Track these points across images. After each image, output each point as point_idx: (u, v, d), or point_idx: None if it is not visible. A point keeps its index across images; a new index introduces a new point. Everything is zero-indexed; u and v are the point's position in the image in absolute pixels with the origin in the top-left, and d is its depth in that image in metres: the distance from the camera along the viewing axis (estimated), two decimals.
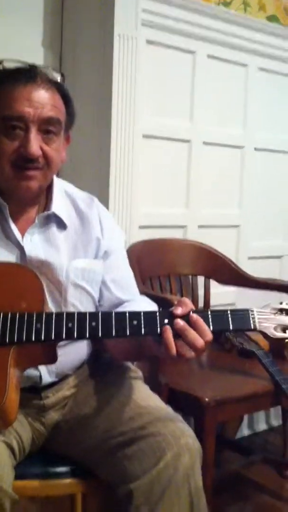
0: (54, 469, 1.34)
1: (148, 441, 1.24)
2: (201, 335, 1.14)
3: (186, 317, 1.15)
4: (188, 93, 2.40)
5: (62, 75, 1.29)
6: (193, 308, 1.17)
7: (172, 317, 1.15)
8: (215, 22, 2.39)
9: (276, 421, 2.81)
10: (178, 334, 1.14)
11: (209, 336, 1.15)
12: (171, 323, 1.15)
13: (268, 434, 2.76)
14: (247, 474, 2.38)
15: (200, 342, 1.13)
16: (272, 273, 2.66)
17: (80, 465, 1.35)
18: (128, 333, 1.14)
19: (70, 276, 1.34)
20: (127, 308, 1.36)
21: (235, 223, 2.63)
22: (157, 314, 1.16)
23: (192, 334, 1.13)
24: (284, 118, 2.76)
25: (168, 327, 1.14)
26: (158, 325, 1.15)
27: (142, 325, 1.15)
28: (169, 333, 1.13)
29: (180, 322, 1.14)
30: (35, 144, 1.23)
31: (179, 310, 1.15)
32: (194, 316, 1.15)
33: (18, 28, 2.09)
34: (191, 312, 1.16)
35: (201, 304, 2.36)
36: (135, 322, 1.15)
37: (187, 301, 1.18)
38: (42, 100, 1.23)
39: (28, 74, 1.24)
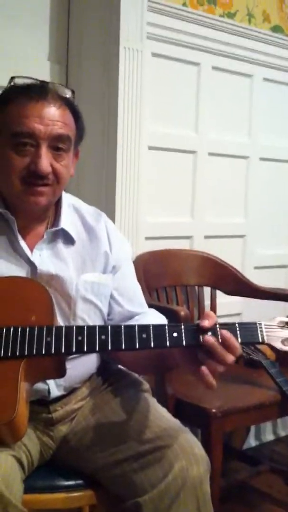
0: (62, 482, 1.34)
1: (156, 455, 1.24)
2: (232, 352, 1.14)
3: (212, 330, 1.15)
4: (193, 104, 2.41)
5: (73, 92, 1.30)
6: (217, 320, 1.17)
7: (200, 329, 1.15)
8: (220, 33, 2.41)
9: (283, 431, 2.80)
10: (208, 349, 1.14)
11: (239, 352, 1.15)
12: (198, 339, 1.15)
13: (275, 444, 2.76)
14: (254, 484, 2.37)
15: (231, 359, 1.14)
16: (278, 283, 2.66)
17: (88, 478, 1.35)
18: (137, 346, 1.15)
19: (80, 290, 1.35)
20: (138, 322, 1.37)
21: (241, 233, 2.64)
22: (166, 327, 1.17)
23: (222, 351, 1.13)
24: None
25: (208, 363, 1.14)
26: (168, 338, 1.15)
27: (152, 338, 1.15)
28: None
29: (210, 339, 1.13)
30: (46, 161, 1.24)
31: (206, 323, 1.15)
32: (225, 332, 1.14)
33: (24, 42, 2.10)
34: (217, 325, 1.16)
35: None
36: (144, 335, 1.15)
37: (212, 313, 1.18)
38: (52, 117, 1.24)
39: (39, 91, 1.24)
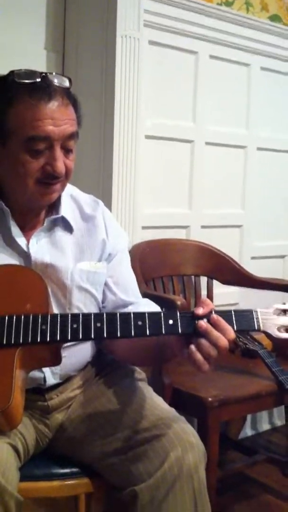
0: (58, 471, 1.34)
1: (152, 443, 1.24)
2: (224, 334, 1.14)
3: (207, 317, 1.16)
4: (190, 93, 2.40)
5: (70, 80, 1.29)
6: (214, 307, 1.17)
7: (194, 317, 1.15)
8: (218, 22, 2.40)
9: (279, 421, 2.81)
10: (202, 335, 1.14)
11: (232, 335, 1.15)
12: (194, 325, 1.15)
13: (271, 433, 2.77)
14: (250, 474, 2.38)
15: (223, 341, 1.14)
16: (275, 273, 2.67)
17: (84, 467, 1.35)
18: (133, 334, 1.15)
19: (75, 279, 1.35)
20: (131, 311, 1.36)
21: (238, 223, 2.64)
22: (162, 314, 1.16)
23: (215, 334, 1.14)
24: (287, 117, 2.76)
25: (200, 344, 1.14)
26: (163, 326, 1.15)
27: (147, 326, 1.15)
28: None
29: (203, 324, 1.14)
30: (61, 162, 1.24)
31: (200, 310, 1.15)
32: (215, 316, 1.15)
33: (21, 32, 2.09)
34: (213, 312, 1.16)
35: None
36: (140, 323, 1.15)
37: (208, 301, 1.18)
38: (63, 116, 1.23)
39: (45, 89, 1.22)
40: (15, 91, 1.23)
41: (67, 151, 1.26)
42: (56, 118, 1.22)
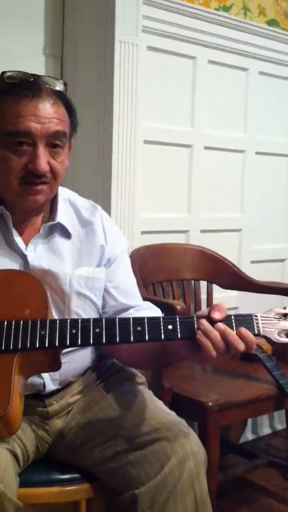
0: (58, 476, 1.34)
1: (153, 447, 1.24)
2: (245, 341, 1.16)
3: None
4: (189, 98, 2.41)
5: (65, 84, 1.29)
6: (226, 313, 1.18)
7: (211, 321, 1.15)
8: (215, 27, 2.41)
9: (280, 425, 2.80)
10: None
11: (253, 344, 1.16)
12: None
13: (272, 438, 2.76)
14: (251, 478, 2.37)
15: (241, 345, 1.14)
16: (274, 277, 2.67)
17: (84, 472, 1.35)
18: (132, 339, 1.15)
19: (74, 285, 1.34)
20: (132, 315, 1.36)
21: (237, 227, 2.64)
22: (161, 319, 1.16)
23: (233, 335, 1.14)
24: (285, 121, 2.77)
25: (205, 328, 1.14)
26: (163, 331, 1.15)
27: (146, 331, 1.15)
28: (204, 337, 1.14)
29: (221, 326, 1.14)
30: (44, 160, 1.23)
31: (217, 315, 1.16)
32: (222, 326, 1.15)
33: (19, 37, 2.10)
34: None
35: (203, 309, 2.35)
36: (139, 328, 1.15)
37: (224, 306, 1.18)
38: (48, 114, 1.23)
39: (33, 88, 1.22)
40: (3, 89, 1.23)
41: (53, 151, 1.25)
42: (39, 115, 1.22)
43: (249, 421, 2.69)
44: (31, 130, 1.21)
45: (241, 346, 1.14)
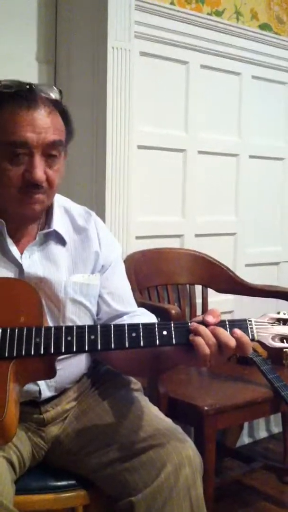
0: (55, 483, 1.33)
1: (149, 454, 1.24)
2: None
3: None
4: (182, 103, 2.41)
5: (60, 92, 1.29)
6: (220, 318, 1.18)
7: (205, 326, 1.16)
8: (208, 32, 2.42)
9: (276, 428, 2.81)
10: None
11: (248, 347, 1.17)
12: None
13: (268, 441, 2.77)
14: (248, 481, 2.38)
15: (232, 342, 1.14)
16: (269, 280, 2.68)
17: (81, 478, 1.34)
18: (127, 346, 1.15)
19: (69, 292, 1.34)
20: (126, 321, 1.37)
21: (231, 231, 2.65)
22: (156, 325, 1.17)
23: (224, 332, 1.15)
24: (278, 125, 2.78)
25: (196, 326, 1.15)
26: (157, 337, 1.15)
27: (141, 337, 1.15)
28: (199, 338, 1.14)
29: (212, 324, 1.15)
30: (40, 170, 1.23)
31: (210, 318, 1.16)
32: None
33: (12, 43, 2.10)
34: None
35: (199, 312, 2.36)
36: (134, 334, 1.15)
37: (218, 311, 1.19)
38: (45, 124, 1.23)
39: (29, 97, 1.22)
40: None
41: (50, 160, 1.25)
42: (36, 125, 1.22)
43: (246, 424, 2.70)
44: (27, 140, 1.21)
45: (232, 343, 1.14)
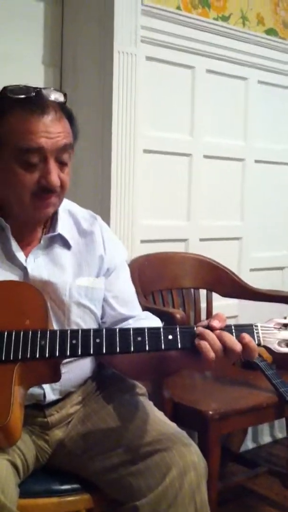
0: (59, 487, 1.33)
1: (154, 458, 1.24)
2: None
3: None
4: (188, 107, 2.41)
5: (65, 95, 1.30)
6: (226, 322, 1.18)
7: (210, 329, 1.16)
8: (214, 37, 2.42)
9: (281, 433, 2.80)
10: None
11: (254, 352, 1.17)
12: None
13: (272, 446, 2.75)
14: (251, 486, 2.37)
15: (238, 346, 1.14)
16: (274, 285, 2.67)
17: (85, 482, 1.34)
18: (132, 350, 1.15)
19: (74, 295, 1.35)
20: (131, 325, 1.37)
21: (236, 235, 2.64)
22: (161, 330, 1.16)
23: (229, 336, 1.14)
24: (284, 130, 2.78)
25: (202, 331, 1.15)
26: (163, 341, 1.15)
27: (147, 341, 1.15)
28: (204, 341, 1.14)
29: (217, 329, 1.15)
30: (55, 175, 1.24)
31: (216, 323, 1.16)
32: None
33: (18, 46, 2.11)
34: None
35: (203, 317, 2.36)
36: (139, 338, 1.15)
37: (223, 316, 1.18)
38: (57, 129, 1.24)
39: (39, 103, 1.23)
40: (7, 106, 1.24)
41: (61, 164, 1.27)
42: (49, 131, 1.23)
43: (250, 429, 2.69)
44: (42, 147, 1.22)
45: (238, 347, 1.14)
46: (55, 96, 1.26)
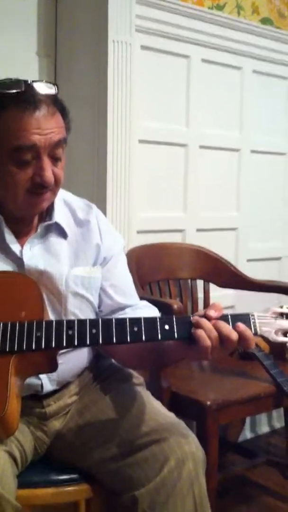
0: (57, 477, 1.33)
1: (152, 449, 1.24)
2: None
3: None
4: (183, 97, 2.40)
5: (56, 85, 1.28)
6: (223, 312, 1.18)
7: (206, 319, 1.16)
8: (209, 26, 2.40)
9: (278, 423, 2.81)
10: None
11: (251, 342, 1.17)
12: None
13: (270, 436, 2.76)
14: (250, 476, 2.38)
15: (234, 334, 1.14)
16: (271, 275, 2.67)
17: (83, 472, 1.34)
18: (128, 340, 1.14)
19: (70, 285, 1.34)
20: (128, 315, 1.36)
21: (233, 226, 2.64)
22: (158, 320, 1.16)
23: (226, 325, 1.14)
24: (279, 119, 2.77)
25: (198, 319, 1.14)
26: (159, 331, 1.15)
27: (143, 331, 1.14)
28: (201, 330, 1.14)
29: (214, 318, 1.15)
30: (49, 171, 1.23)
31: (212, 313, 1.16)
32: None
33: (12, 37, 2.09)
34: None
35: (201, 307, 2.36)
36: (135, 328, 1.15)
37: (220, 305, 1.18)
38: (49, 125, 1.22)
39: (30, 99, 1.21)
40: (0, 102, 1.22)
41: (55, 159, 1.26)
42: (42, 127, 1.21)
43: (248, 419, 2.69)
44: (35, 144, 1.21)
45: (234, 336, 1.14)
46: (46, 89, 1.25)
